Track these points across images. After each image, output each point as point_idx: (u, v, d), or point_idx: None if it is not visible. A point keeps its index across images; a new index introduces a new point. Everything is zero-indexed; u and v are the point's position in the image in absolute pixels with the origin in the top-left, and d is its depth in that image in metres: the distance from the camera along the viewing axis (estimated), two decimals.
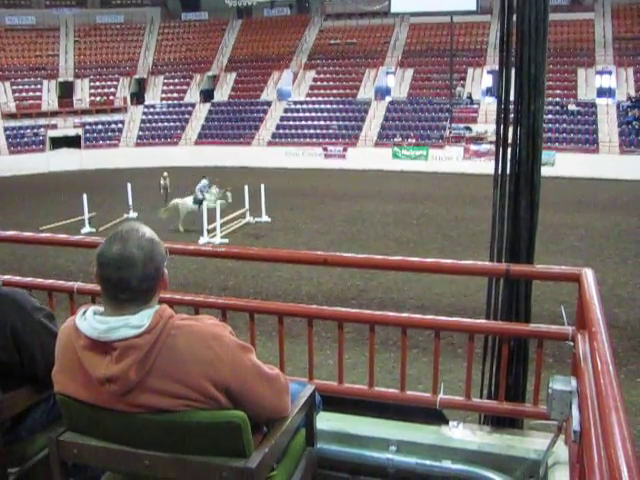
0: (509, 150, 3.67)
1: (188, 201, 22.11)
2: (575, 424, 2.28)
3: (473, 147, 38.43)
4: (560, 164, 36.87)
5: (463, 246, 17.83)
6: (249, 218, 22.74)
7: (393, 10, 40.41)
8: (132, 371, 2.08)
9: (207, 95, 49.32)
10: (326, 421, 3.28)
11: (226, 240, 19.68)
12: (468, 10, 38.06)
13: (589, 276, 2.99)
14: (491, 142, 38.48)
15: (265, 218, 22.85)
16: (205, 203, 21.21)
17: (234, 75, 50.01)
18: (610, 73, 43.24)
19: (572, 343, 2.97)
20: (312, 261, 4.12)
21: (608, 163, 36.70)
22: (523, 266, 3.54)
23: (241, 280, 15.45)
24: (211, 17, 54.29)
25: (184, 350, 2.13)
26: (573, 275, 3.13)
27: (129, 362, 2.08)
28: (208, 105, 48.17)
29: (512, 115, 3.65)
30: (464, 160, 38.44)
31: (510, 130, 3.66)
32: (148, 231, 2.20)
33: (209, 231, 20.03)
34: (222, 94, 49.00)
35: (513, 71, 3.64)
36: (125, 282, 2.09)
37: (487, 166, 36.84)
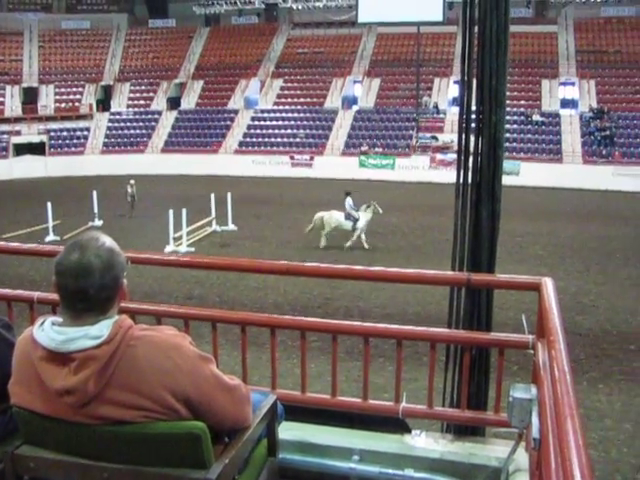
0: (471, 160, 3.70)
1: (337, 216, 20.58)
2: (535, 431, 2.30)
3: (439, 156, 38.72)
4: (525, 174, 37.36)
5: (429, 255, 17.94)
6: (215, 227, 22.64)
7: (360, 20, 40.56)
8: (91, 382, 2.05)
9: (174, 103, 49.07)
10: (289, 431, 3.26)
11: (192, 249, 19.56)
12: (435, 21, 38.32)
13: (549, 285, 3.03)
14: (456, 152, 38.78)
15: (231, 227, 22.78)
16: (361, 222, 20.29)
17: (201, 83, 49.85)
18: (573, 84, 43.98)
19: (532, 351, 2.99)
20: (274, 270, 4.11)
21: (571, 173, 37.24)
22: (484, 275, 3.56)
23: (207, 289, 15.37)
24: (179, 24, 54.03)
25: (143, 361, 2.10)
26: (533, 284, 3.16)
27: (87, 373, 2.05)
28: (175, 113, 47.93)
29: (474, 125, 3.69)
30: (430, 169, 38.72)
31: (472, 140, 3.69)
32: (108, 240, 2.17)
33: (175, 239, 19.89)
34: (189, 102, 48.80)
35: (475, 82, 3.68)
36: (83, 291, 2.07)
37: (453, 175, 36.75)
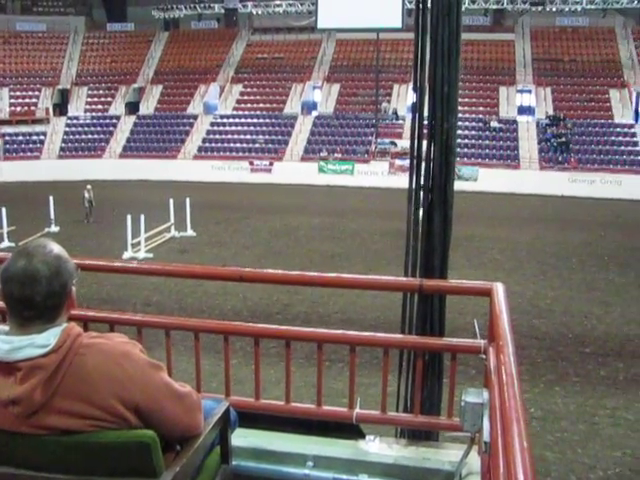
0: (423, 166, 3.72)
1: None
2: (485, 435, 2.31)
3: (398, 162, 38.87)
4: (483, 179, 37.81)
5: (387, 260, 18.00)
6: (174, 232, 22.46)
7: (320, 26, 40.60)
8: (37, 392, 2.01)
9: (132, 107, 48.58)
10: (243, 437, 3.24)
11: (150, 255, 19.39)
12: (394, 27, 38.53)
13: (499, 290, 3.05)
14: None
15: (190, 232, 22.63)
16: None
17: (160, 88, 49.45)
18: (530, 92, 44.66)
19: (484, 356, 3.02)
20: (228, 277, 4.08)
21: (528, 179, 37.81)
22: (436, 281, 3.58)
23: (165, 296, 15.25)
24: (137, 28, 53.51)
25: (92, 369, 2.07)
26: (484, 289, 3.19)
27: (34, 383, 2.01)
28: (133, 118, 47.44)
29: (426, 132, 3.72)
30: (389, 175, 38.91)
31: (424, 147, 3.72)
32: (56, 247, 2.14)
33: (133, 245, 19.69)
34: (148, 107, 48.37)
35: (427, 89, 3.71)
36: (29, 299, 2.03)
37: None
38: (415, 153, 3.79)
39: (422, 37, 3.68)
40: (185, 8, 51.15)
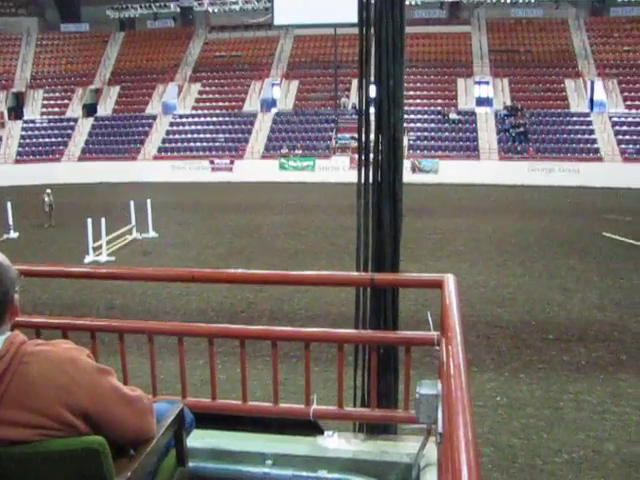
0: (371, 161, 3.72)
1: None
2: (440, 427, 2.32)
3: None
4: (443, 171, 38.15)
5: (351, 254, 17.92)
6: (136, 234, 22.23)
7: (276, 22, 40.58)
8: None
9: (90, 109, 48.05)
10: (201, 439, 3.23)
11: (113, 258, 19.16)
12: (351, 22, 38.62)
13: (450, 282, 3.06)
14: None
15: (152, 234, 22.41)
16: None
17: (118, 89, 48.97)
18: (487, 83, 45.10)
19: (438, 348, 3.03)
20: (179, 278, 4.04)
21: (488, 169, 38.21)
22: (387, 275, 3.59)
23: (129, 299, 15.07)
24: (92, 29, 52.90)
25: (37, 377, 2.03)
26: (436, 282, 3.20)
27: None
28: (91, 120, 46.93)
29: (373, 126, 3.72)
30: (350, 170, 38.95)
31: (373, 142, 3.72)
32: None
33: (94, 249, 19.44)
34: (106, 108, 47.87)
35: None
36: None
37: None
38: (363, 148, 3.79)
39: (366, 32, 3.68)
40: (140, 7, 50.63)
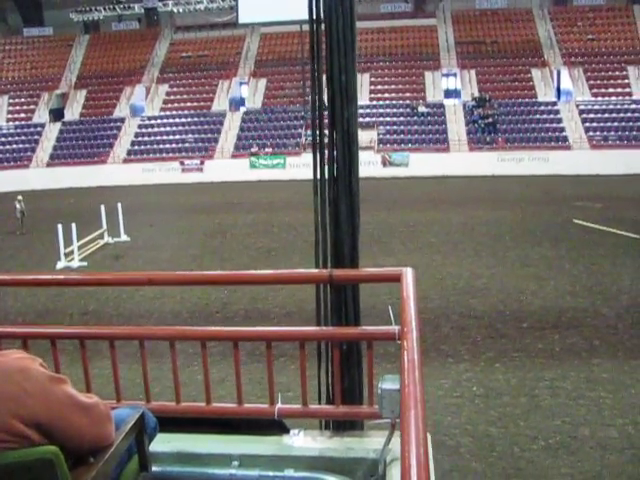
0: (326, 157, 3.70)
1: None
2: None
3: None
4: (413, 164, 38.29)
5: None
6: (107, 238, 22.04)
7: (241, 21, 40.23)
8: None
9: (57, 114, 47.49)
10: (166, 442, 3.20)
11: (85, 263, 18.99)
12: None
13: (409, 275, 3.05)
14: None
15: (124, 237, 22.23)
16: None
17: (84, 92, 48.50)
18: (455, 75, 45.32)
19: (400, 342, 3.02)
20: (136, 282, 4.00)
21: (458, 161, 38.43)
22: (346, 271, 3.58)
23: (103, 303, 14.94)
24: (56, 33, 52.29)
25: None
26: (394, 275, 3.19)
27: None
28: (59, 125, 46.43)
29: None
30: None
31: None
32: None
33: (66, 255, 19.24)
34: (73, 112, 47.39)
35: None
36: None
37: None
38: (317, 144, 3.76)
39: (316, 28, 3.66)
40: (104, 9, 50.13)
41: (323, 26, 3.65)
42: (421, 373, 1.94)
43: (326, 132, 3.71)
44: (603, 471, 6.99)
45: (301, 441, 3.39)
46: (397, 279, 3.10)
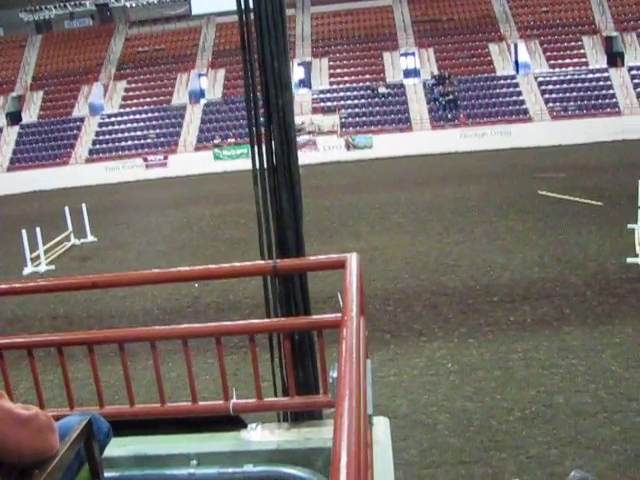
0: (264, 146, 3.66)
1: None
2: None
3: None
4: (377, 146, 38.34)
5: None
6: (74, 240, 21.79)
7: (194, 12, 40.11)
8: None
9: (14, 117, 46.71)
10: (122, 446, 3.16)
11: (52, 267, 18.76)
12: None
13: (353, 262, 3.02)
14: (309, 132, 39.21)
15: (91, 238, 21.99)
16: None
17: (41, 94, 47.74)
18: (413, 54, 45.39)
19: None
20: (80, 286, 3.92)
21: (421, 140, 38.52)
22: (290, 261, 3.56)
23: (73, 306, 14.80)
24: (7, 33, 51.39)
25: None
26: (339, 262, 3.17)
27: None
28: (17, 128, 45.65)
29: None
30: None
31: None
32: None
33: (32, 260, 18.98)
34: (31, 115, 46.65)
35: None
36: None
37: (307, 156, 37.51)
38: (254, 133, 3.72)
39: (246, 15, 3.62)
40: (55, 8, 49.23)
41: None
42: (360, 361, 1.91)
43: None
44: (578, 436, 7.08)
45: (259, 435, 3.37)
46: (342, 266, 3.07)
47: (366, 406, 1.79)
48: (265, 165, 3.66)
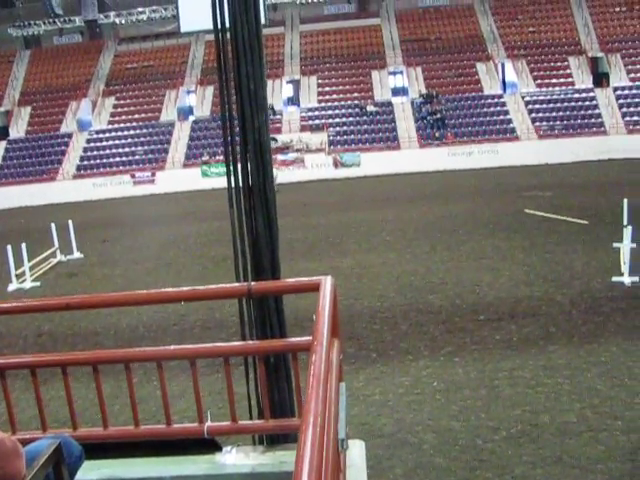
0: (240, 167, 3.65)
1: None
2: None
3: (281, 157, 38.95)
4: (365, 164, 38.48)
5: (280, 257, 17.94)
6: (60, 257, 21.66)
7: (183, 30, 40.03)
8: None
9: (2, 133, 46.65)
10: (96, 470, 3.11)
11: (38, 283, 18.63)
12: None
13: (327, 285, 3.00)
14: (298, 150, 39.27)
15: (77, 254, 21.87)
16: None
17: (29, 109, 47.71)
18: (401, 73, 45.74)
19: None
20: (53, 308, 3.89)
21: (409, 158, 38.73)
22: (264, 283, 3.54)
23: (58, 324, 14.65)
24: None
25: None
26: (314, 285, 3.15)
27: None
28: (4, 143, 45.56)
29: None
30: (273, 170, 38.98)
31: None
32: None
33: (17, 276, 18.85)
34: (18, 130, 46.57)
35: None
36: None
37: (295, 175, 37.58)
38: (230, 155, 3.71)
39: (222, 36, 3.62)
40: (44, 24, 49.22)
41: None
42: (328, 386, 1.89)
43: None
44: (563, 456, 7.05)
45: (233, 458, 3.33)
46: (316, 289, 3.05)
47: (336, 431, 1.76)
48: (241, 187, 3.65)
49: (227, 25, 3.56)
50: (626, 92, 42.00)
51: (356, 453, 3.13)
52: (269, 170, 3.64)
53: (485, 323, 11.74)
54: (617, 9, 47.08)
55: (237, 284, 3.66)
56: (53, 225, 21.84)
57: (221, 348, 3.54)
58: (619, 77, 42.97)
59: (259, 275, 3.64)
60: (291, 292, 3.82)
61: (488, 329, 11.41)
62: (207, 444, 3.36)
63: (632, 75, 42.97)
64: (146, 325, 13.62)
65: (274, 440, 3.50)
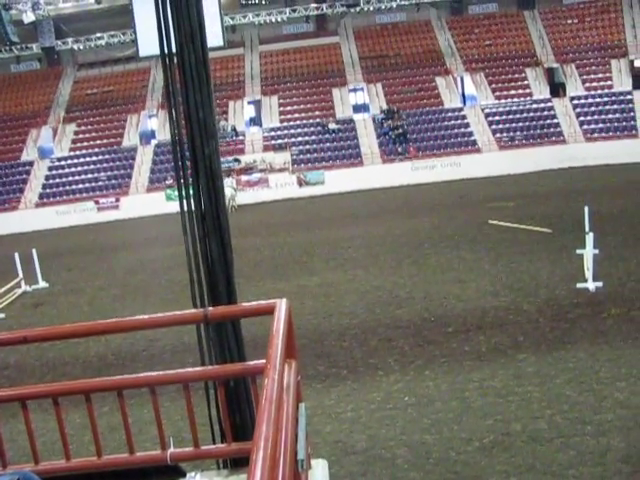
0: (192, 194, 3.66)
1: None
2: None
3: (244, 177, 38.96)
4: (329, 182, 38.64)
5: (247, 277, 17.90)
6: (25, 287, 21.36)
7: (142, 54, 39.89)
8: None
9: None
10: None
11: (2, 315, 18.35)
12: (217, 46, 38.61)
13: (282, 308, 3.00)
14: (261, 170, 39.28)
15: (42, 284, 21.59)
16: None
17: None
18: (362, 90, 46.06)
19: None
20: (10, 342, 3.83)
21: (373, 174, 38.98)
22: (220, 308, 3.55)
23: (25, 354, 14.41)
24: None
25: None
26: (269, 308, 3.15)
27: None
28: None
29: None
30: (238, 192, 38.95)
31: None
32: None
33: None
34: None
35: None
36: None
37: (259, 195, 37.52)
38: (181, 183, 3.72)
39: (169, 64, 3.64)
40: (1, 52, 48.75)
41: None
42: (283, 409, 1.89)
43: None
44: (536, 463, 7.09)
45: None
46: (271, 311, 3.05)
47: (294, 451, 1.76)
48: (194, 214, 3.65)
49: (174, 51, 3.57)
50: (582, 101, 42.79)
51: (319, 473, 3.12)
52: (221, 197, 3.63)
53: (454, 335, 11.80)
54: (569, 21, 48.05)
55: (194, 310, 3.65)
56: (17, 255, 21.55)
57: (180, 374, 3.52)
58: (575, 87, 43.80)
59: (215, 300, 3.64)
60: (247, 316, 3.82)
61: (457, 341, 11.46)
62: (171, 470, 3.33)
63: (587, 84, 43.82)
64: (115, 352, 13.47)
65: (237, 463, 3.48)
